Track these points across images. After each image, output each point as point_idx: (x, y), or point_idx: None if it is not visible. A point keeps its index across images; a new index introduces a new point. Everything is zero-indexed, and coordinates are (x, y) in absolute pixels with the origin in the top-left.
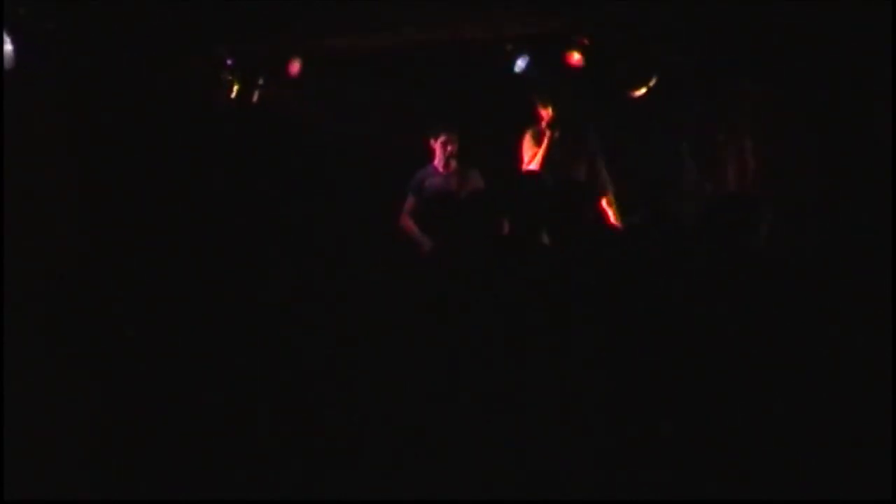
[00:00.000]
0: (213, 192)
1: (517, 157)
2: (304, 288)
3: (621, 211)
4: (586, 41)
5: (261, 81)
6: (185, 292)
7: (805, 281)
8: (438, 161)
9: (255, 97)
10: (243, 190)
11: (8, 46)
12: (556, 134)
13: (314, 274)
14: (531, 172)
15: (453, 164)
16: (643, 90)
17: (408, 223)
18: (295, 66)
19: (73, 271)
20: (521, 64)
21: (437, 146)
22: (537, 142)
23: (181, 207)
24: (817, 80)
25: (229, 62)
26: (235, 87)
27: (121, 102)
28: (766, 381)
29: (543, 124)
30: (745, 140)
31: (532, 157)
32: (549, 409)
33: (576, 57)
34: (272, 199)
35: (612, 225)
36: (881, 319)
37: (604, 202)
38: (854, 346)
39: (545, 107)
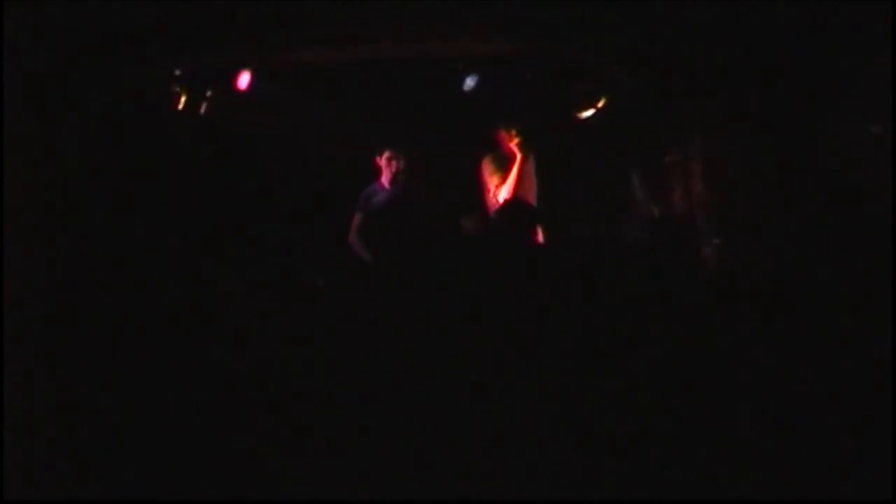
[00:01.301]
0: (156, 203)
1: (477, 182)
2: (251, 297)
3: (567, 230)
4: (536, 60)
5: (209, 94)
6: (134, 302)
7: (748, 302)
8: (385, 178)
9: (203, 109)
10: (187, 200)
11: None
12: (526, 160)
13: (260, 283)
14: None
15: (400, 181)
16: (592, 111)
17: (354, 240)
18: (244, 79)
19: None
20: (469, 83)
21: (383, 163)
22: (500, 167)
23: (124, 218)
24: (768, 102)
25: (177, 73)
26: (183, 99)
27: (66, 111)
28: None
29: (509, 149)
30: (693, 163)
31: (500, 183)
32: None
33: (526, 76)
34: (216, 210)
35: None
36: (830, 339)
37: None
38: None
39: (509, 130)
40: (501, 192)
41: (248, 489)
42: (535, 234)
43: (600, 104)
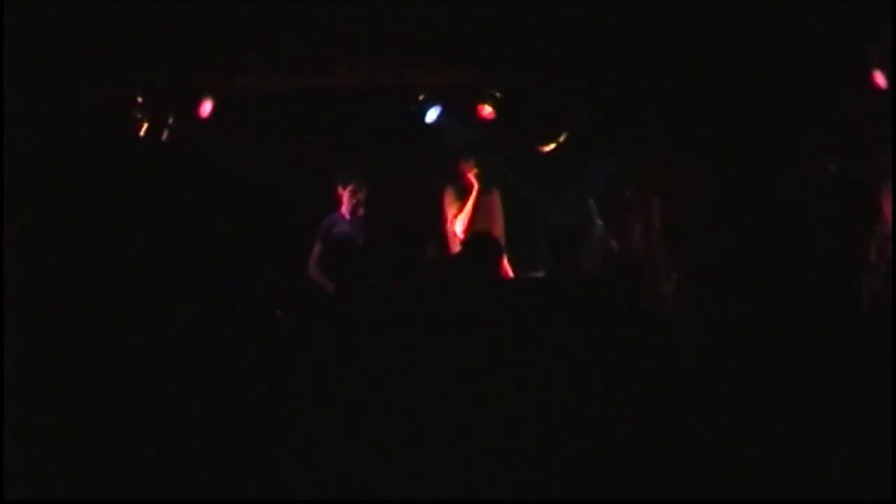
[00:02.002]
0: (118, 227)
1: (439, 212)
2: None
3: (525, 264)
4: (498, 94)
5: (170, 120)
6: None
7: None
8: (346, 208)
9: (165, 136)
10: (147, 224)
11: None
12: (482, 191)
13: (216, 311)
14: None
15: (360, 212)
16: (553, 145)
17: (314, 271)
18: (206, 107)
19: None
20: (432, 114)
21: (344, 194)
22: (459, 198)
23: (85, 240)
24: (728, 140)
25: (140, 100)
26: (145, 125)
27: (28, 135)
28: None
29: (468, 180)
30: (652, 198)
31: (456, 213)
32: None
33: (487, 110)
34: (174, 235)
35: (510, 277)
36: (789, 374)
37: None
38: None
39: (468, 164)
40: (457, 222)
41: (249, 489)
42: (502, 267)
43: (561, 139)
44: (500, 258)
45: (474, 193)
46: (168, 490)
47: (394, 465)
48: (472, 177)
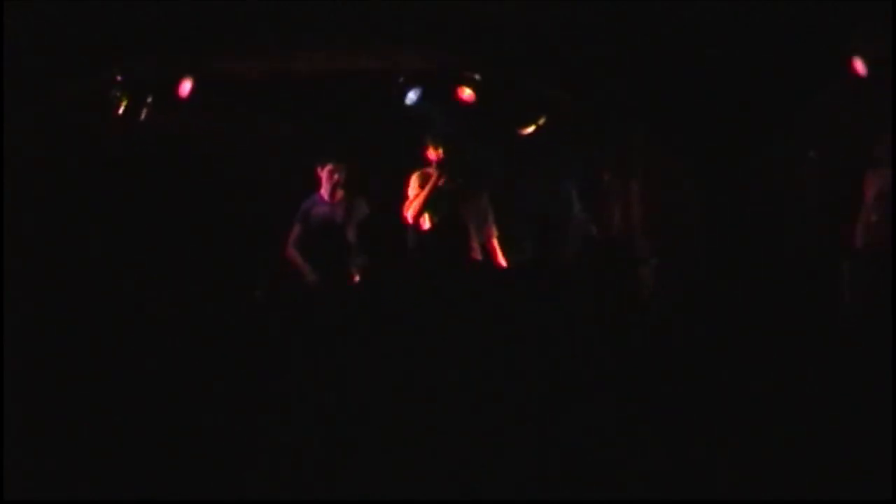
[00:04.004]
0: (95, 207)
1: (403, 197)
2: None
3: (508, 249)
4: (477, 77)
5: (150, 100)
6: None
7: (681, 325)
8: (325, 190)
9: (143, 116)
10: (125, 205)
11: None
12: (444, 177)
13: (194, 293)
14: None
15: (339, 193)
16: (532, 129)
17: (292, 253)
18: (185, 87)
19: None
20: (412, 96)
21: (323, 175)
22: (422, 183)
23: (61, 220)
24: (707, 125)
25: (119, 79)
26: (123, 105)
27: (4, 114)
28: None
29: (432, 167)
30: (632, 183)
31: (415, 197)
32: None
33: (467, 93)
34: (154, 216)
35: (498, 263)
36: (766, 361)
37: (493, 240)
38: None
39: (436, 149)
40: (409, 209)
41: (249, 489)
42: (472, 252)
43: (540, 123)
44: (468, 243)
45: (431, 182)
46: (168, 490)
47: (371, 453)
48: (436, 163)
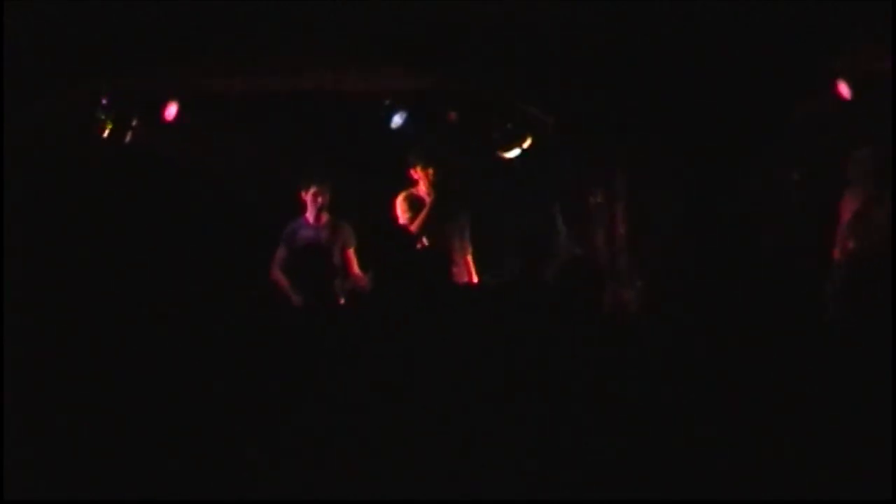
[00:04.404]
0: (77, 229)
1: (391, 220)
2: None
3: (490, 268)
4: (462, 99)
5: (134, 123)
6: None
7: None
8: (310, 213)
9: (128, 138)
10: (107, 227)
11: None
12: (437, 199)
13: (177, 315)
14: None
15: (324, 217)
16: (517, 151)
17: (277, 275)
18: (171, 110)
19: None
20: (397, 120)
21: (308, 198)
22: (412, 205)
23: (43, 241)
24: (691, 148)
25: (104, 101)
26: (108, 127)
27: None
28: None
29: (421, 188)
30: (616, 205)
31: (409, 221)
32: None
33: (452, 116)
34: (136, 237)
35: (472, 283)
36: (751, 378)
37: (468, 258)
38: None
39: (424, 169)
40: (408, 230)
41: (248, 489)
42: (450, 276)
43: (525, 144)
44: (448, 270)
45: (429, 203)
46: (168, 490)
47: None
48: (427, 184)
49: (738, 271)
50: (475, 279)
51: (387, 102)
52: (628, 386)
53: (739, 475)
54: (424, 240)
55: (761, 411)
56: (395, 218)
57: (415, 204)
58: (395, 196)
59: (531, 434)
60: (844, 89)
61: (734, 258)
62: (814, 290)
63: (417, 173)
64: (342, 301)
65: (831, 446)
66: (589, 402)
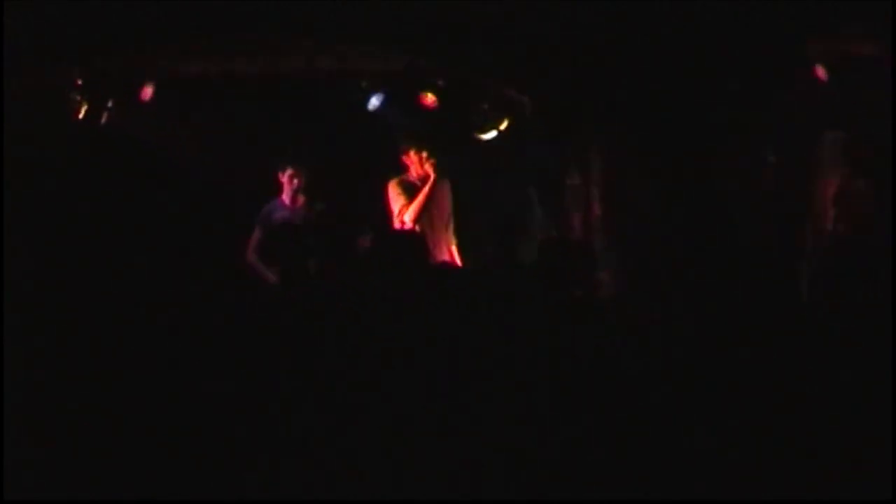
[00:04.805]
0: (53, 211)
1: (384, 205)
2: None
3: (468, 251)
4: (440, 81)
5: (110, 104)
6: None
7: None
8: (286, 195)
9: (104, 119)
10: (81, 209)
11: None
12: (435, 183)
13: (154, 299)
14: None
15: (301, 198)
16: (494, 133)
17: (252, 258)
18: (147, 91)
19: None
20: (375, 102)
21: (284, 179)
22: (405, 191)
23: (17, 221)
24: (667, 130)
25: (79, 82)
26: (84, 108)
27: None
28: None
29: (413, 173)
30: (592, 187)
31: (405, 205)
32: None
33: (430, 98)
34: (113, 220)
35: (456, 266)
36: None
37: (453, 247)
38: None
39: (418, 154)
40: (407, 213)
41: (248, 489)
42: (435, 253)
43: (502, 126)
44: (424, 252)
45: (429, 185)
46: (168, 491)
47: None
48: (428, 168)
49: (714, 253)
50: (459, 264)
51: (363, 84)
52: (603, 366)
53: (737, 474)
54: (413, 225)
55: (737, 394)
56: (387, 204)
57: (408, 189)
58: (387, 183)
59: (508, 415)
60: (822, 73)
61: (710, 240)
62: (790, 271)
63: (410, 158)
64: (318, 283)
65: (829, 447)
66: (564, 382)
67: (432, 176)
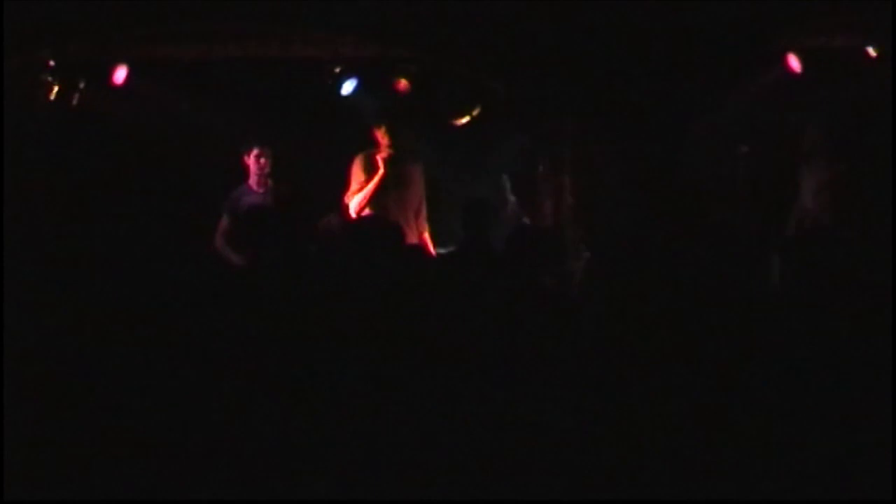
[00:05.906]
0: (23, 192)
1: (344, 181)
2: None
3: (439, 237)
4: (413, 67)
5: (82, 85)
6: None
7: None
8: (253, 179)
9: (75, 101)
10: (53, 190)
11: None
12: (403, 162)
13: (123, 281)
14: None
15: (269, 182)
16: (466, 119)
17: (221, 244)
18: (119, 73)
19: None
20: (348, 87)
21: (250, 161)
22: (367, 168)
23: None
24: (639, 119)
25: (51, 63)
26: (55, 89)
27: None
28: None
29: (384, 152)
30: (563, 175)
31: (360, 186)
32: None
33: (403, 83)
34: (81, 202)
35: (429, 252)
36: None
37: (425, 235)
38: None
39: (390, 131)
40: (353, 203)
41: (248, 490)
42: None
43: (475, 113)
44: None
45: (378, 175)
46: (168, 491)
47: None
48: (385, 146)
49: (685, 242)
50: (431, 250)
51: (337, 69)
52: (573, 354)
53: (737, 474)
54: (357, 211)
55: (709, 381)
56: (348, 179)
57: (372, 167)
58: (352, 157)
59: (478, 401)
60: (794, 63)
61: (681, 229)
62: (763, 259)
63: (382, 135)
64: (287, 269)
65: (827, 447)
66: (534, 370)
67: (386, 154)
